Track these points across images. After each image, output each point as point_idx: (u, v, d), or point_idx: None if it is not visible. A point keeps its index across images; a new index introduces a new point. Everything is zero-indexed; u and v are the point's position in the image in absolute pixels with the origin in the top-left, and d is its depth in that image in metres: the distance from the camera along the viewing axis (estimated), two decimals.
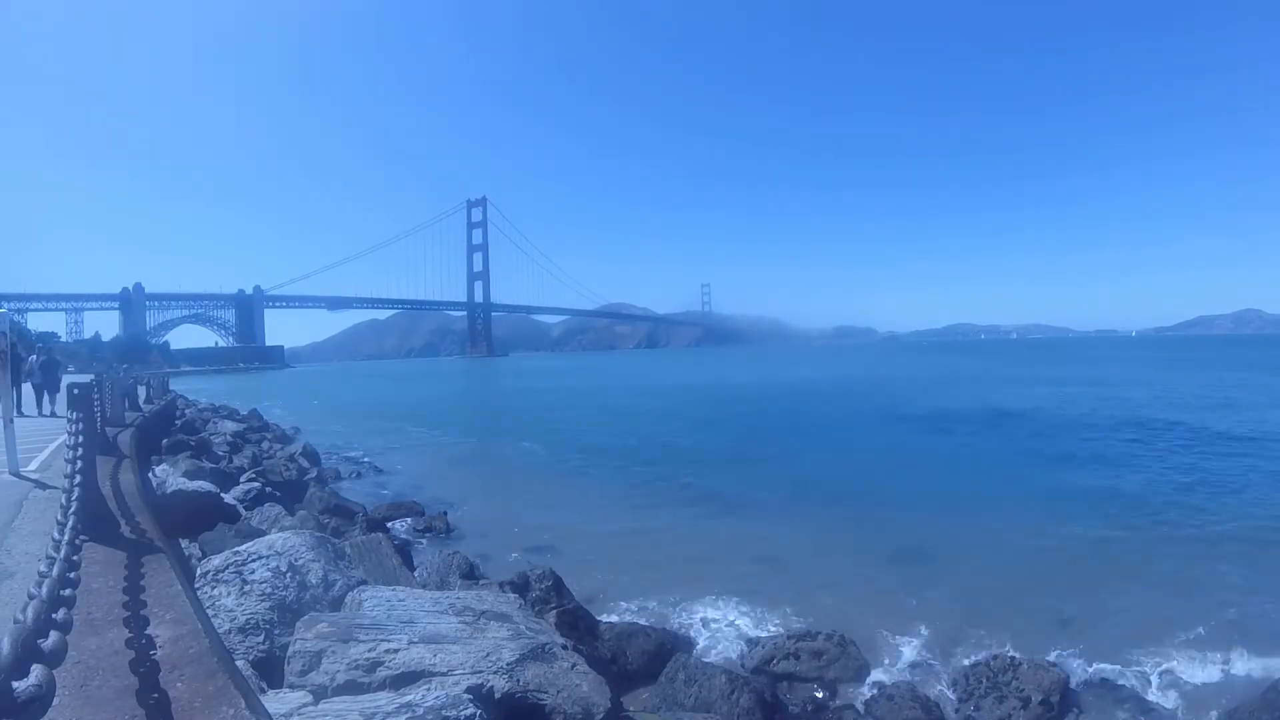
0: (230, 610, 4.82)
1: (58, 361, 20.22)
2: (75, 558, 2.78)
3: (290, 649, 4.11)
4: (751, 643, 7.28)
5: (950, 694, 6.27)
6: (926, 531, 11.32)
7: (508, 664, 4.14)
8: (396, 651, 4.05)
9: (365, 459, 20.61)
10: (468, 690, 3.79)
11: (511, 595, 5.97)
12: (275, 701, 3.59)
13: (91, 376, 13.60)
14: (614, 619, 7.72)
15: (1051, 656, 6.66)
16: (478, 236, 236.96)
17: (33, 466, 8.34)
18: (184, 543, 6.83)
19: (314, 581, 5.31)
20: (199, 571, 5.34)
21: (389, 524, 11.77)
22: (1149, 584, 8.80)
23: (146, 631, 3.27)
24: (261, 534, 7.33)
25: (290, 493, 12.48)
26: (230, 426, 22.03)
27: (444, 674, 3.97)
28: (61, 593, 2.24)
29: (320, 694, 3.80)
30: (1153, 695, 6.22)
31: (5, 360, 7.57)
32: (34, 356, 17.88)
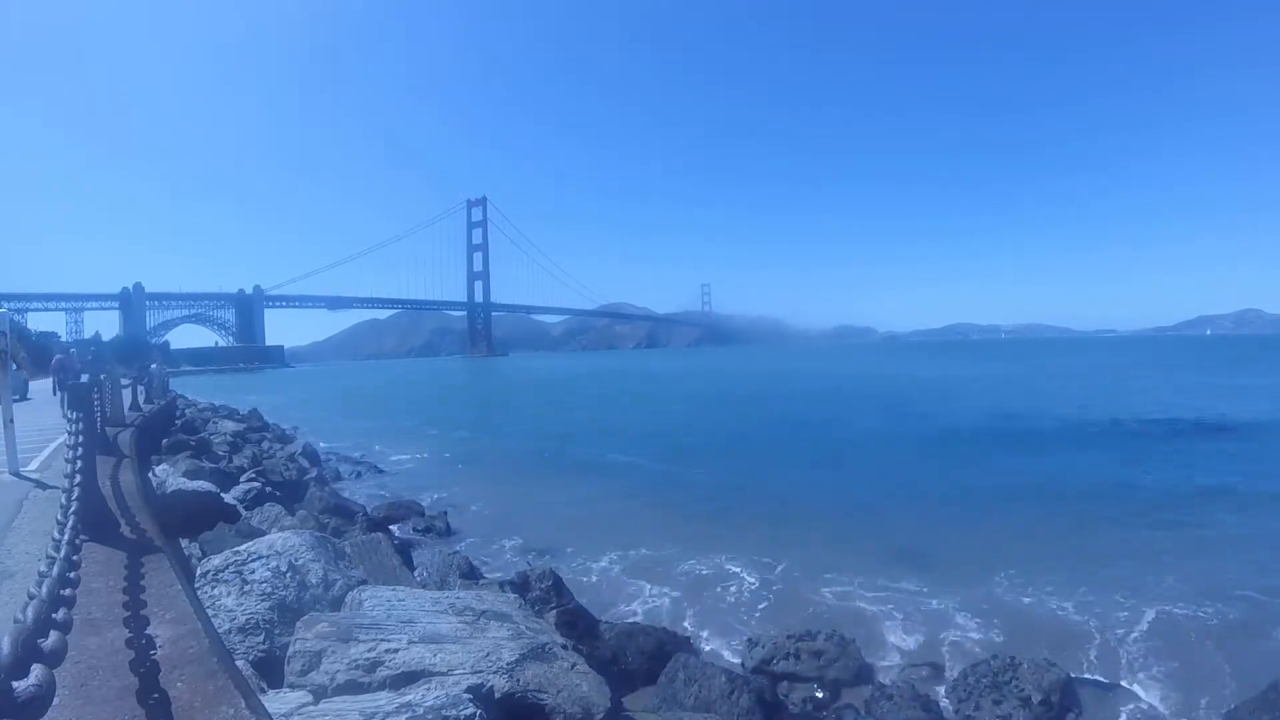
0: (230, 610, 4.81)
1: (167, 371, 28.91)
2: (75, 558, 2.78)
3: (290, 649, 4.11)
4: (751, 643, 7.27)
5: (950, 694, 6.27)
6: (926, 532, 11.33)
7: (508, 664, 4.14)
8: (396, 651, 4.05)
9: (365, 459, 20.61)
10: (468, 690, 3.79)
11: (511, 595, 5.97)
12: (275, 701, 3.59)
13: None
14: (614, 619, 7.72)
15: (1052, 656, 6.66)
16: (478, 236, 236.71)
17: (33, 466, 8.34)
18: (184, 543, 6.82)
19: (314, 581, 5.30)
20: (199, 571, 5.34)
21: (389, 524, 11.77)
22: (1150, 584, 8.79)
23: (146, 631, 3.27)
24: (261, 534, 7.32)
25: (290, 492, 12.48)
26: (230, 426, 22.01)
27: (444, 674, 3.97)
28: (61, 593, 2.24)
29: (320, 694, 3.80)
30: (1153, 695, 6.22)
31: (5, 360, 7.56)
32: (154, 366, 26.20)
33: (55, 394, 17.58)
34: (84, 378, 11.31)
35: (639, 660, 6.56)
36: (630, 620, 7.70)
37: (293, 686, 3.91)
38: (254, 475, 12.95)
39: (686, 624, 7.89)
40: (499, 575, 8.66)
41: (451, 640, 4.31)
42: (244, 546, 5.65)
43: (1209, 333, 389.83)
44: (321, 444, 22.75)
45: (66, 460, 4.75)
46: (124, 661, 2.96)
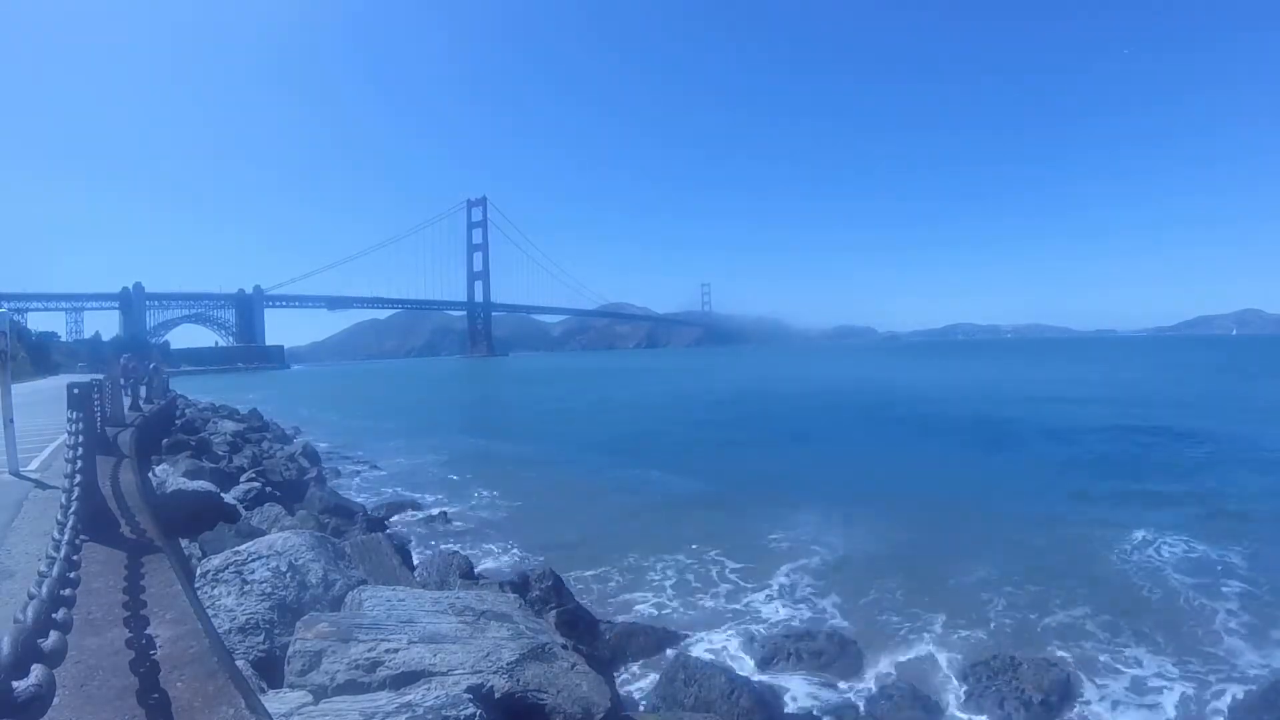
0: (230, 610, 4.81)
1: (165, 372, 28.71)
2: (75, 558, 2.78)
3: (290, 649, 4.10)
4: (751, 643, 7.28)
5: (950, 694, 6.27)
6: (927, 533, 11.33)
7: (508, 664, 4.14)
8: (396, 651, 4.05)
9: (365, 459, 20.62)
10: (468, 690, 3.79)
11: (511, 595, 5.96)
12: (275, 701, 3.59)
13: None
14: (614, 619, 7.72)
15: (1051, 656, 6.67)
16: (478, 236, 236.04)
17: (33, 466, 8.33)
18: (184, 543, 6.81)
19: (314, 581, 5.30)
20: (199, 571, 5.33)
21: (389, 524, 11.77)
22: (1151, 584, 8.80)
23: (146, 631, 3.27)
24: (261, 534, 7.33)
25: (290, 492, 12.47)
26: (230, 426, 22.00)
27: (444, 674, 3.97)
28: (61, 593, 2.24)
29: (320, 694, 3.79)
30: (1154, 695, 6.22)
31: (5, 360, 7.55)
32: (153, 365, 25.99)
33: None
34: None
35: (639, 660, 6.57)
36: (630, 620, 7.70)
37: (293, 686, 3.90)
38: (254, 475, 12.94)
39: (686, 624, 7.89)
40: (499, 575, 8.67)
41: (451, 640, 4.31)
42: (244, 546, 5.65)
43: (1234, 332, 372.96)
44: (321, 444, 22.75)
45: (66, 460, 4.75)
46: (124, 661, 2.95)
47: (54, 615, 1.92)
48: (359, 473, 18.54)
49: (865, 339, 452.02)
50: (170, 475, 10.83)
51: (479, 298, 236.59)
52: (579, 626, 6.65)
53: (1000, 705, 5.93)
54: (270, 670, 4.33)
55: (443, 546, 10.51)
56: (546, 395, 50.30)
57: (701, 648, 7.21)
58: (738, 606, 8.45)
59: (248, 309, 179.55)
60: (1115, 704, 6.09)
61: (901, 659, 6.99)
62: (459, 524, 12.55)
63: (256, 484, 11.81)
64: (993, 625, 7.64)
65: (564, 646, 4.61)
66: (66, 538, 2.88)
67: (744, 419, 30.24)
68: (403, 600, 4.93)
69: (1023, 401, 33.02)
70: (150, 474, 10.78)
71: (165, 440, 15.46)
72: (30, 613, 1.78)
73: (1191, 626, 7.49)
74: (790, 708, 5.98)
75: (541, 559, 9.95)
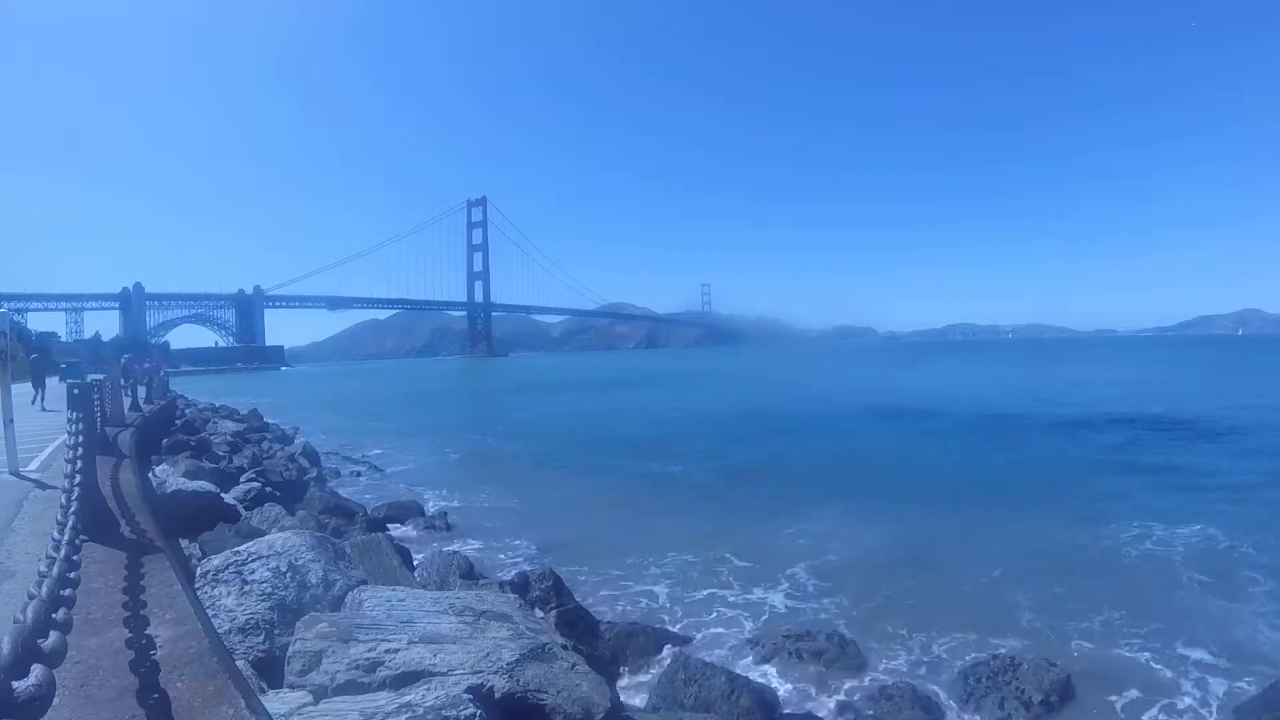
0: (230, 610, 4.81)
1: (165, 371, 29.16)
2: (75, 558, 2.78)
3: (290, 649, 4.10)
4: (751, 643, 7.28)
5: (950, 694, 6.27)
6: (927, 532, 11.32)
7: (508, 664, 4.13)
8: (396, 651, 4.05)
9: (365, 459, 20.61)
10: (468, 690, 3.79)
11: (511, 595, 5.96)
12: (275, 701, 3.58)
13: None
14: (614, 619, 7.72)
15: (1052, 656, 6.66)
16: (477, 236, 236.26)
17: (33, 466, 8.33)
18: (184, 543, 6.82)
19: (314, 581, 5.30)
20: (199, 571, 5.34)
21: (389, 524, 11.76)
22: (1151, 585, 8.80)
23: (146, 631, 3.27)
24: (261, 534, 7.32)
25: (290, 493, 12.47)
26: (230, 426, 22.00)
27: (444, 674, 3.97)
28: (61, 593, 2.24)
29: (320, 694, 3.79)
30: (1154, 695, 6.22)
31: (5, 360, 7.55)
32: (149, 364, 26.22)
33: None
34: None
35: (639, 660, 6.57)
36: (630, 620, 7.70)
37: (293, 686, 3.90)
38: (254, 475, 12.94)
39: (686, 624, 7.90)
40: (499, 575, 8.67)
41: (451, 640, 4.31)
42: (244, 547, 5.65)
43: (1240, 332, 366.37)
44: (321, 444, 22.74)
45: (66, 460, 4.75)
46: (124, 661, 2.95)
47: (54, 615, 1.92)
48: (359, 473, 18.54)
49: (865, 339, 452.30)
50: (170, 475, 10.83)
51: (479, 298, 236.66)
52: (579, 626, 6.65)
53: (1000, 705, 5.93)
54: (270, 670, 4.33)
55: (443, 547, 10.51)
56: (546, 400, 50.29)
57: (702, 647, 7.21)
58: (738, 606, 8.45)
59: (248, 309, 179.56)
60: (1117, 704, 6.09)
61: (902, 659, 6.99)
62: (459, 524, 12.55)
63: (256, 484, 11.80)
64: (994, 625, 7.63)
65: (564, 646, 4.61)
66: (66, 538, 2.88)
67: (746, 418, 30.23)
68: (403, 600, 4.93)
69: (1026, 400, 33.02)
70: (150, 474, 10.79)
71: (165, 440, 15.46)
72: (30, 613, 1.78)
73: (1197, 625, 7.48)
74: (790, 708, 5.97)
75: (542, 559, 9.95)
